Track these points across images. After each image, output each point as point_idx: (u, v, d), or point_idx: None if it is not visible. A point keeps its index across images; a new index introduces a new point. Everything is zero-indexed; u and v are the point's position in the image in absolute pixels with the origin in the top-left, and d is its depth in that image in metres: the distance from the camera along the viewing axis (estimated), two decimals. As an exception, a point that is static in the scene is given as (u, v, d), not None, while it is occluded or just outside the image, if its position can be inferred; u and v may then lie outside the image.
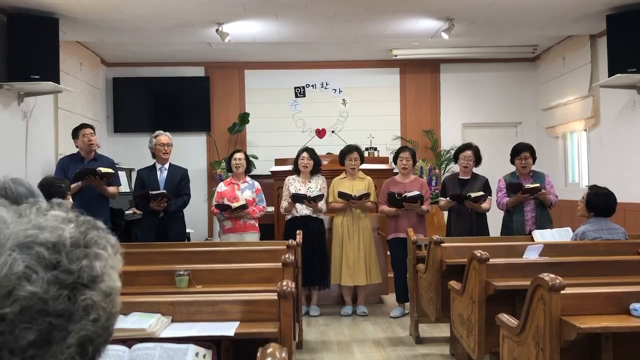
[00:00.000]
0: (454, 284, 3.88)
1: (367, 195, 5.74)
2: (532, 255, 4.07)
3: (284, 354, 1.55)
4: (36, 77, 5.74)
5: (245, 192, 5.82)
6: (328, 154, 7.11)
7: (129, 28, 6.46)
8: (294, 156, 6.13)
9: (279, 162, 6.97)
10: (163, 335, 2.28)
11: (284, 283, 2.44)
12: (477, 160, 5.71)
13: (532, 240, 4.79)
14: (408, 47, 8.21)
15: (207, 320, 2.42)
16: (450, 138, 8.81)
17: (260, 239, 5.89)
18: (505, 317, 2.92)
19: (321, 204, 5.80)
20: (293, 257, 3.53)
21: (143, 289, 3.08)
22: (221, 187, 5.96)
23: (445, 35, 6.67)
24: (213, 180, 8.47)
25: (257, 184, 5.94)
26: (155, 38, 6.99)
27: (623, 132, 6.68)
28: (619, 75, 5.91)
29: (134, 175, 6.77)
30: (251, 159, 6.35)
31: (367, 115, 8.93)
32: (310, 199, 5.70)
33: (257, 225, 5.87)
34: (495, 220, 5.85)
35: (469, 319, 3.57)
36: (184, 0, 5.63)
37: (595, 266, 3.69)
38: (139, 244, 4.95)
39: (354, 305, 6.02)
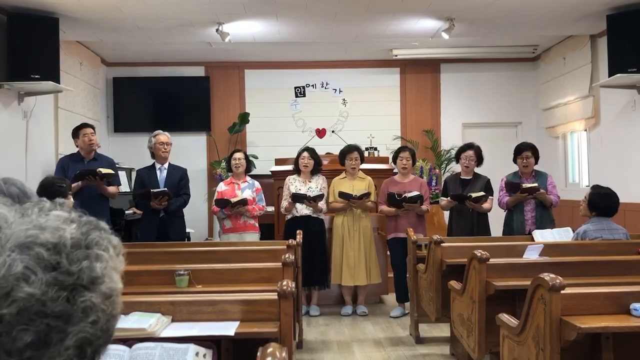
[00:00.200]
0: (454, 283, 3.88)
1: (367, 194, 5.74)
2: (532, 255, 4.07)
3: (284, 354, 1.55)
4: (36, 76, 5.74)
5: (246, 191, 5.82)
6: (327, 153, 7.11)
7: (129, 28, 6.46)
8: (294, 156, 6.13)
9: (279, 162, 6.96)
10: (163, 335, 2.28)
11: (284, 283, 2.44)
12: (479, 160, 5.71)
13: (532, 240, 4.79)
14: (408, 47, 8.21)
15: (208, 320, 2.42)
16: (450, 138, 8.81)
17: (261, 239, 5.89)
18: (505, 317, 2.92)
19: (321, 204, 5.79)
20: (293, 257, 3.53)
21: (143, 289, 3.08)
22: (221, 186, 5.97)
23: (445, 35, 6.66)
24: (213, 180, 8.47)
25: (257, 184, 5.94)
26: (155, 38, 6.99)
27: (623, 132, 6.67)
28: (619, 75, 5.91)
29: (134, 175, 6.77)
30: (251, 158, 6.35)
31: (367, 115, 8.93)
32: (310, 198, 5.70)
33: (257, 225, 5.87)
34: (498, 219, 5.85)
35: (469, 319, 3.57)
36: (184, 0, 5.63)
37: (596, 266, 3.69)
38: (139, 243, 4.95)
39: (354, 305, 6.02)
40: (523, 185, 5.35)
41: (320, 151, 6.48)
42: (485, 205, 5.53)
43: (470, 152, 5.68)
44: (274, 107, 8.96)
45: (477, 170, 5.77)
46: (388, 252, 6.07)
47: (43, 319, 0.61)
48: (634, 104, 6.44)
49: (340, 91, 9.05)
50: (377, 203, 5.87)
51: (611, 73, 6.01)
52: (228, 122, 8.74)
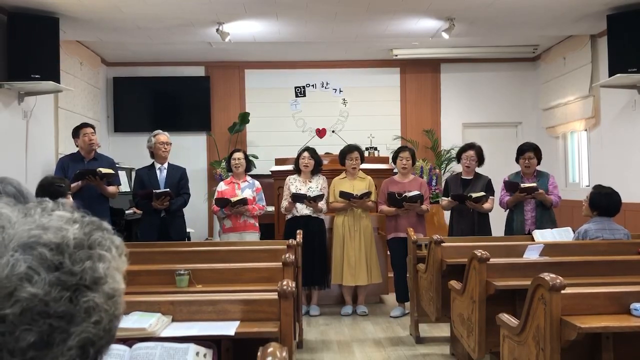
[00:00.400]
0: (454, 283, 3.88)
1: (368, 194, 5.74)
2: (532, 255, 4.07)
3: (284, 354, 1.55)
4: (36, 76, 5.74)
5: (246, 191, 5.82)
6: (327, 153, 7.10)
7: (130, 27, 6.46)
8: (294, 156, 6.13)
9: (279, 161, 6.96)
10: (163, 334, 2.28)
11: (285, 282, 2.44)
12: (480, 160, 5.70)
13: (533, 240, 4.79)
14: (408, 47, 8.21)
15: (208, 319, 2.42)
16: (450, 138, 8.81)
17: (261, 239, 5.90)
18: (505, 317, 2.92)
19: (321, 204, 5.79)
20: (293, 257, 3.53)
21: (143, 289, 3.08)
22: (221, 186, 5.97)
23: (445, 35, 6.66)
24: (213, 179, 8.47)
25: (257, 183, 5.94)
26: (155, 38, 6.99)
27: (623, 132, 6.67)
28: (619, 75, 5.91)
29: (134, 175, 6.77)
30: (251, 158, 6.35)
31: (367, 115, 8.93)
32: (310, 198, 5.70)
33: (257, 224, 5.87)
34: (499, 219, 5.85)
35: (469, 319, 3.57)
36: (184, 0, 5.63)
37: (596, 266, 3.69)
38: (139, 243, 4.95)
39: (354, 305, 6.02)
40: (521, 185, 5.35)
41: (320, 151, 6.48)
42: (486, 206, 5.53)
43: (471, 152, 5.68)
44: (274, 107, 8.96)
45: (478, 170, 5.77)
46: (388, 252, 6.08)
47: (46, 319, 0.61)
48: (634, 104, 6.44)
49: (340, 91, 9.05)
50: (377, 203, 5.87)
51: (611, 73, 6.01)
52: (228, 121, 8.74)
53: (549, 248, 4.21)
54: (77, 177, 5.11)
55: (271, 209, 6.69)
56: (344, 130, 8.66)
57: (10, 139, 5.92)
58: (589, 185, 7.13)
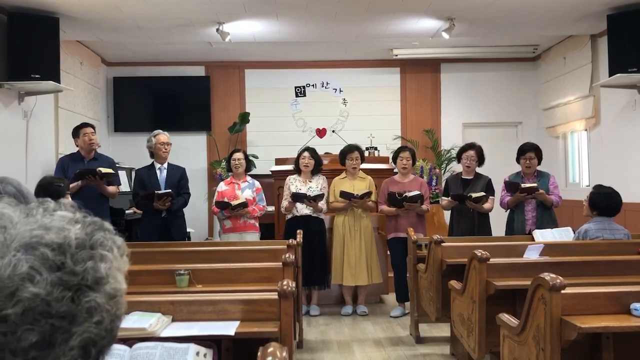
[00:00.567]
0: (454, 283, 3.88)
1: (369, 194, 5.74)
2: (532, 255, 4.07)
3: (284, 354, 1.55)
4: (37, 76, 5.74)
5: (246, 191, 5.82)
6: (327, 153, 7.10)
7: (130, 27, 6.46)
8: (295, 156, 6.13)
9: (279, 161, 6.96)
10: (163, 334, 2.28)
11: (285, 282, 2.44)
12: (480, 160, 5.70)
13: (533, 240, 4.79)
14: (408, 47, 8.21)
15: (208, 319, 2.42)
16: (450, 138, 8.82)
17: (261, 239, 5.90)
18: (505, 317, 2.92)
19: (321, 204, 5.79)
20: (293, 257, 3.53)
21: (143, 289, 3.08)
22: (221, 186, 5.97)
23: (445, 35, 6.66)
24: (213, 179, 8.47)
25: (257, 183, 5.94)
26: (155, 37, 6.99)
27: (623, 132, 6.68)
28: (619, 75, 5.91)
29: (134, 174, 6.77)
30: (251, 158, 6.35)
31: (367, 115, 8.93)
32: (310, 198, 5.70)
33: (257, 224, 5.88)
34: (499, 219, 5.85)
35: (470, 319, 3.57)
36: (184, 0, 5.63)
37: (596, 266, 3.69)
38: (139, 243, 4.95)
39: (354, 305, 6.02)
40: (522, 185, 5.35)
41: (320, 151, 6.48)
42: (486, 206, 5.53)
43: (471, 152, 5.68)
44: (274, 107, 8.96)
45: (478, 170, 5.77)
46: (388, 252, 6.08)
47: (48, 319, 0.61)
48: (634, 103, 6.44)
49: (340, 91, 9.05)
50: (377, 203, 5.87)
51: (611, 73, 6.01)
52: (228, 121, 8.74)
53: (549, 248, 4.21)
54: (77, 177, 5.11)
55: (271, 209, 6.69)
56: (344, 130, 8.66)
57: (11, 138, 5.92)
58: (589, 185, 7.13)
